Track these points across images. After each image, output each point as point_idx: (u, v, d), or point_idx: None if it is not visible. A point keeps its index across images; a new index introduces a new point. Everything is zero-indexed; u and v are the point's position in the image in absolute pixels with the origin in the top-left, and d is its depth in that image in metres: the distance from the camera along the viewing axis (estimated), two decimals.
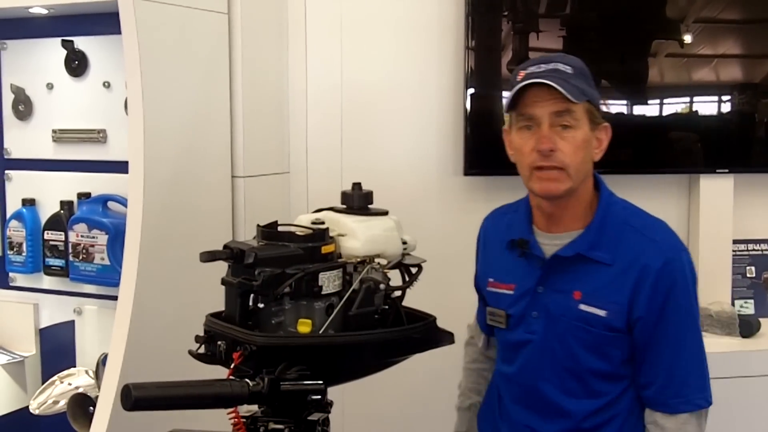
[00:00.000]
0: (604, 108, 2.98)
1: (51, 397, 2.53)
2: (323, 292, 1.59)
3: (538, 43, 2.99)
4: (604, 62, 3.03)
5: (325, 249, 1.61)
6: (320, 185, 2.93)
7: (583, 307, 1.88)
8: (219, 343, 1.58)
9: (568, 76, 1.82)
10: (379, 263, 1.70)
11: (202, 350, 1.63)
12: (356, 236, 1.67)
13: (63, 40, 2.53)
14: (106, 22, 2.33)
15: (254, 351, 1.51)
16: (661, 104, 3.05)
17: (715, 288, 3.10)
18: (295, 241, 1.60)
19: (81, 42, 2.55)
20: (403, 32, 3.02)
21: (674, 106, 3.06)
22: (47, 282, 2.67)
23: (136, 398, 1.32)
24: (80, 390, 2.50)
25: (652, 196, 3.10)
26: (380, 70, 3.02)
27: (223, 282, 1.61)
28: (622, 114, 3.07)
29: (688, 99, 3.07)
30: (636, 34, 3.04)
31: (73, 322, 2.64)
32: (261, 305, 1.59)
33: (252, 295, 1.60)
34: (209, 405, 1.41)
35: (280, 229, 1.65)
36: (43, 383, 2.60)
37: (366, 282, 1.64)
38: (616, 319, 1.86)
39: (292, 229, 1.65)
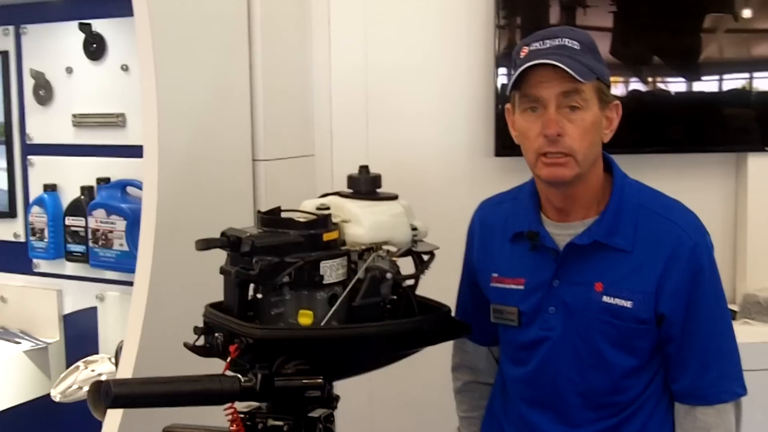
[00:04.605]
0: (662, 86, 2.89)
1: (75, 382, 2.51)
2: (325, 282, 1.52)
3: (584, 19, 2.88)
4: (655, 37, 2.91)
5: (327, 236, 1.54)
6: (346, 168, 2.81)
7: (606, 299, 1.75)
8: (216, 335, 1.52)
9: (575, 52, 1.69)
10: (387, 251, 1.63)
11: (201, 341, 1.57)
12: (360, 222, 1.59)
13: (80, 24, 2.50)
14: (123, 4, 2.27)
15: (251, 344, 1.45)
16: (721, 80, 2.93)
17: (763, 273, 2.97)
18: (296, 227, 1.53)
19: (99, 25, 2.52)
20: (430, 11, 2.93)
21: (727, 82, 2.94)
22: (70, 268, 2.66)
23: (116, 395, 1.26)
24: (102, 377, 2.48)
25: (696, 175, 2.99)
26: (406, 49, 2.93)
27: (222, 271, 1.55)
28: (672, 91, 2.94)
29: (741, 74, 2.94)
30: (689, 8, 2.91)
31: (95, 308, 2.62)
32: (260, 295, 1.53)
33: (252, 285, 1.54)
34: (198, 402, 1.35)
35: (282, 215, 1.59)
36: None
37: (371, 271, 1.56)
38: (643, 310, 1.74)
39: (294, 215, 1.58)
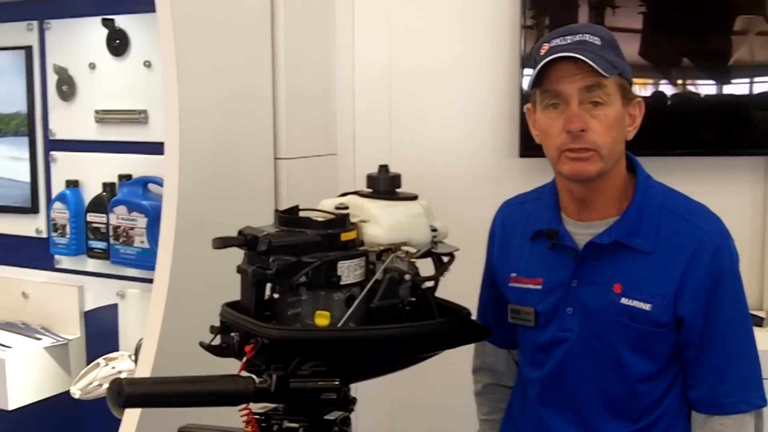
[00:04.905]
0: (691, 88, 2.84)
1: (96, 379, 2.50)
2: (342, 283, 1.49)
3: (613, 20, 2.84)
4: (685, 39, 2.87)
5: (345, 236, 1.51)
6: (368, 168, 2.80)
7: (625, 301, 1.72)
8: (233, 334, 1.49)
9: (596, 48, 1.66)
10: (407, 252, 1.60)
11: (217, 341, 1.55)
12: (379, 222, 1.56)
13: (103, 19, 2.49)
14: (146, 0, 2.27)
15: (267, 344, 1.43)
16: (751, 83, 2.89)
17: None
18: (313, 227, 1.50)
19: (122, 20, 2.51)
20: (455, 10, 2.90)
21: (757, 85, 2.89)
22: (91, 264, 2.65)
23: (129, 395, 1.24)
24: (123, 374, 2.47)
25: (725, 178, 2.94)
26: (431, 48, 2.91)
27: (239, 270, 1.52)
28: (701, 94, 2.89)
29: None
30: (719, 9, 2.87)
31: (116, 305, 2.61)
32: (277, 295, 1.51)
33: (269, 285, 1.52)
34: (211, 403, 1.33)
35: (300, 214, 1.56)
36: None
37: (390, 272, 1.53)
38: (662, 314, 1.71)
39: (312, 214, 1.55)
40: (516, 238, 1.90)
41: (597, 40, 1.68)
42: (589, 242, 1.75)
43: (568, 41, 1.68)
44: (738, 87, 2.89)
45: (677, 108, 2.87)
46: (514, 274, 1.88)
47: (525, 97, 2.80)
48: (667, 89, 2.88)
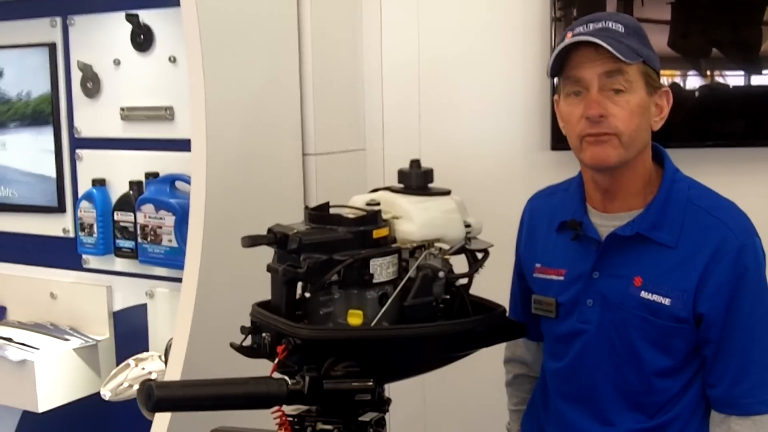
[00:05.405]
0: (721, 79, 2.79)
1: (126, 380, 2.49)
2: (375, 281, 1.46)
3: (642, 11, 2.79)
4: (714, 30, 2.81)
5: (377, 233, 1.48)
6: (398, 163, 2.76)
7: (644, 294, 1.70)
8: (264, 335, 1.47)
9: (619, 35, 1.64)
10: (440, 248, 1.56)
11: (248, 342, 1.52)
12: (411, 219, 1.53)
13: (127, 14, 2.46)
14: None
15: (299, 345, 1.40)
16: None
17: None
18: (344, 224, 1.47)
19: (146, 16, 2.48)
20: (484, 2, 2.84)
21: None
22: (119, 264, 2.63)
23: (159, 398, 1.22)
24: (153, 375, 2.45)
25: (756, 169, 2.87)
26: (460, 41, 2.85)
27: (269, 269, 1.49)
28: (731, 84, 2.84)
29: None
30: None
31: (145, 305, 2.58)
32: (308, 294, 1.48)
33: (300, 284, 1.49)
34: (243, 405, 1.31)
35: (330, 211, 1.53)
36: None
37: (423, 269, 1.50)
38: (681, 309, 1.68)
39: (343, 211, 1.52)
40: (542, 229, 1.89)
41: (620, 28, 1.66)
42: (611, 234, 1.74)
43: (591, 28, 1.67)
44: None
45: (707, 99, 2.82)
46: (538, 265, 1.87)
47: (556, 90, 2.75)
48: (697, 80, 2.83)
